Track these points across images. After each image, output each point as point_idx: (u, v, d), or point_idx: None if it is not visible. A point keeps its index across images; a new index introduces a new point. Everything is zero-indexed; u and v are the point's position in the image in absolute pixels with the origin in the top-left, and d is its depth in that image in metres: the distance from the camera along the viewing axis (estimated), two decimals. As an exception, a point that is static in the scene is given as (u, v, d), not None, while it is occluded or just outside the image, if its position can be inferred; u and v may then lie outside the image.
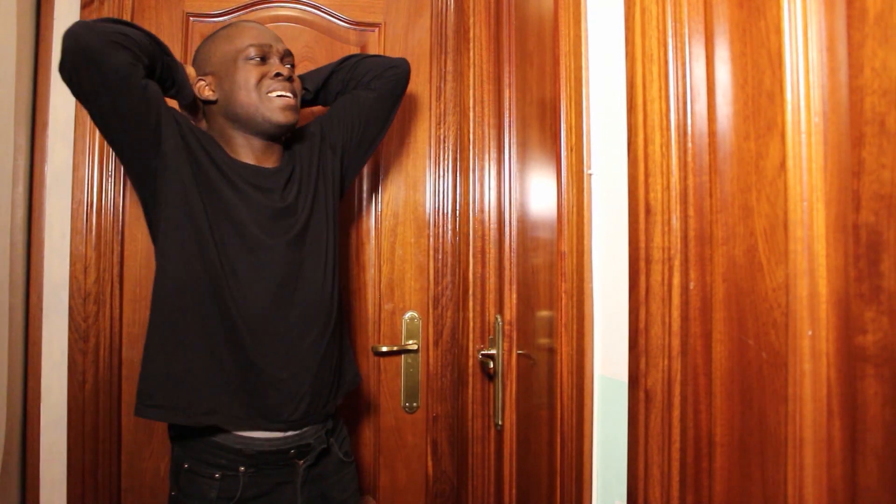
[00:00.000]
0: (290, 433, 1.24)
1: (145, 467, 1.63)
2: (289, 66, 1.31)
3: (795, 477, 0.52)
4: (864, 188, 0.47)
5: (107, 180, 1.62)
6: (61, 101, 1.60)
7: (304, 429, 1.26)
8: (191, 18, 1.70)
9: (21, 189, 1.54)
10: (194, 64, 1.34)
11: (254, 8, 1.74)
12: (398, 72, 1.48)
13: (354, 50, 1.76)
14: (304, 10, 1.76)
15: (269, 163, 1.32)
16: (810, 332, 0.51)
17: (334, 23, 1.77)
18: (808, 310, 0.51)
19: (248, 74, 1.25)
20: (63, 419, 1.57)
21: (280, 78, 1.26)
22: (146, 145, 1.18)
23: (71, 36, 1.07)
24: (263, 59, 1.27)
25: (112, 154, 1.63)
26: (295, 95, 1.29)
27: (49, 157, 1.60)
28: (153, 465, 1.63)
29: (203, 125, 1.36)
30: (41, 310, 1.57)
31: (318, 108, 1.58)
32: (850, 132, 0.48)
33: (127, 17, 1.65)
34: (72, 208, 1.60)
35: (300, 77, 1.41)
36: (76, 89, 1.12)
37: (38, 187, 1.59)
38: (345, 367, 1.38)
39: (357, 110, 1.46)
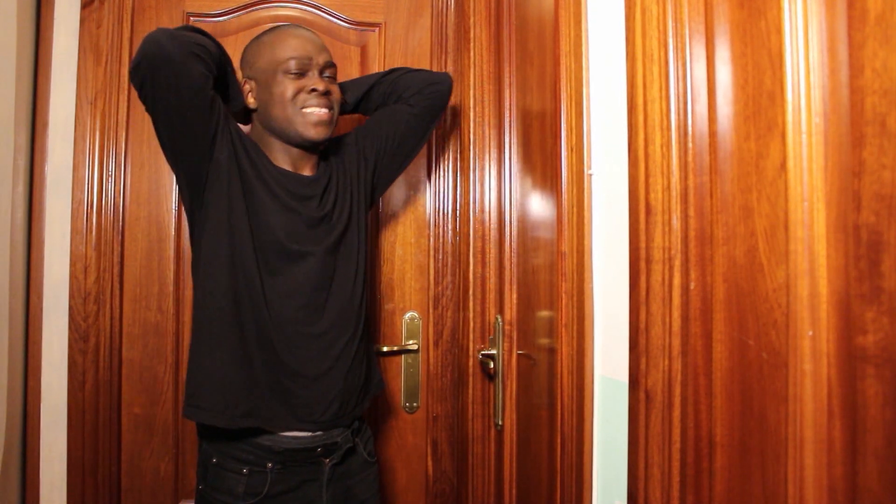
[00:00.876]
0: (318, 433, 1.26)
1: (145, 467, 1.63)
2: (328, 77, 1.32)
3: (796, 477, 0.52)
4: (864, 188, 0.47)
5: (107, 180, 1.62)
6: (61, 101, 1.61)
7: (333, 430, 1.28)
8: (191, 18, 1.70)
9: (21, 189, 1.54)
10: (241, 65, 1.36)
11: (254, 8, 1.74)
12: (440, 88, 1.49)
13: (355, 50, 1.77)
14: (305, 10, 1.76)
15: (307, 170, 1.35)
16: (811, 333, 0.51)
17: (334, 23, 1.77)
18: (808, 310, 0.51)
19: (284, 88, 1.27)
20: (63, 419, 1.57)
21: (315, 93, 1.27)
22: (201, 152, 1.20)
23: (154, 43, 1.08)
24: (302, 73, 1.28)
25: (112, 154, 1.63)
26: (331, 108, 1.30)
27: (49, 157, 1.60)
28: (153, 465, 1.63)
29: (248, 129, 1.38)
30: (41, 310, 1.57)
31: (358, 115, 1.59)
32: (850, 132, 0.48)
33: (127, 17, 1.65)
34: (72, 208, 1.60)
35: (341, 85, 1.42)
36: (146, 94, 1.13)
37: (38, 187, 1.59)
38: (371, 371, 1.40)
39: (394, 125, 1.47)
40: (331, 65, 1.33)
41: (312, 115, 1.27)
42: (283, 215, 1.27)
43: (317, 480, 1.27)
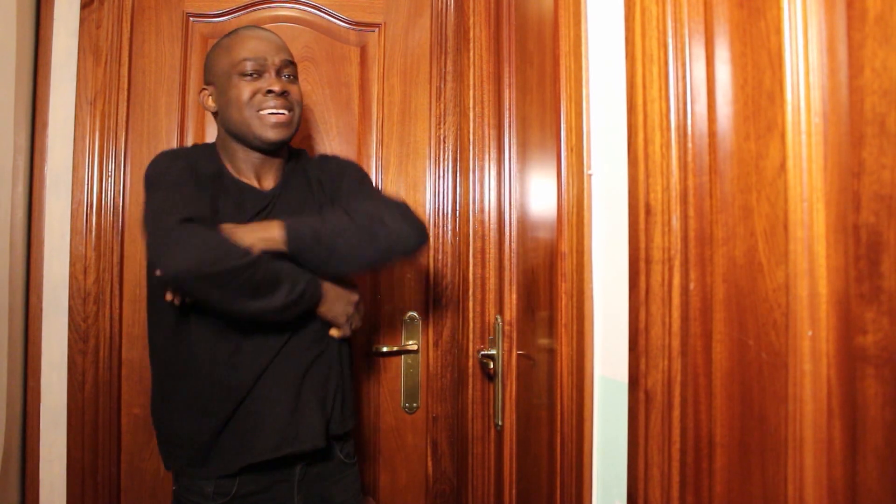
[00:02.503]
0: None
1: (145, 467, 1.63)
2: (286, 77, 1.29)
3: (795, 477, 0.52)
4: (864, 188, 0.47)
5: (107, 180, 1.62)
6: (61, 102, 1.61)
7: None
8: (191, 19, 1.70)
9: (21, 189, 1.54)
10: (204, 71, 1.35)
11: (254, 8, 1.74)
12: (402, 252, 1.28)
13: (354, 50, 1.76)
14: (304, 10, 1.76)
15: (268, 180, 1.32)
16: (810, 333, 0.51)
17: (334, 23, 1.77)
18: (808, 310, 0.51)
19: (240, 91, 1.24)
20: (63, 419, 1.57)
21: (272, 94, 1.24)
22: None
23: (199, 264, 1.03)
24: (258, 74, 1.25)
25: (112, 154, 1.63)
26: (290, 109, 1.27)
27: (49, 158, 1.60)
28: (153, 465, 1.63)
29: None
30: (41, 310, 1.57)
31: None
32: (850, 132, 0.48)
33: (126, 18, 1.65)
34: (72, 208, 1.60)
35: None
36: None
37: (38, 187, 1.59)
38: (346, 397, 1.35)
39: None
40: (289, 63, 1.30)
41: (270, 117, 1.24)
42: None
43: (287, 482, 1.26)
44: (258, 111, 1.24)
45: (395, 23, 1.78)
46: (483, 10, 1.61)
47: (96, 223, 1.61)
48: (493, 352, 1.44)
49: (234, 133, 1.28)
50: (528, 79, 1.30)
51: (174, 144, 1.68)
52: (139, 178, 1.66)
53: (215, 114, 1.31)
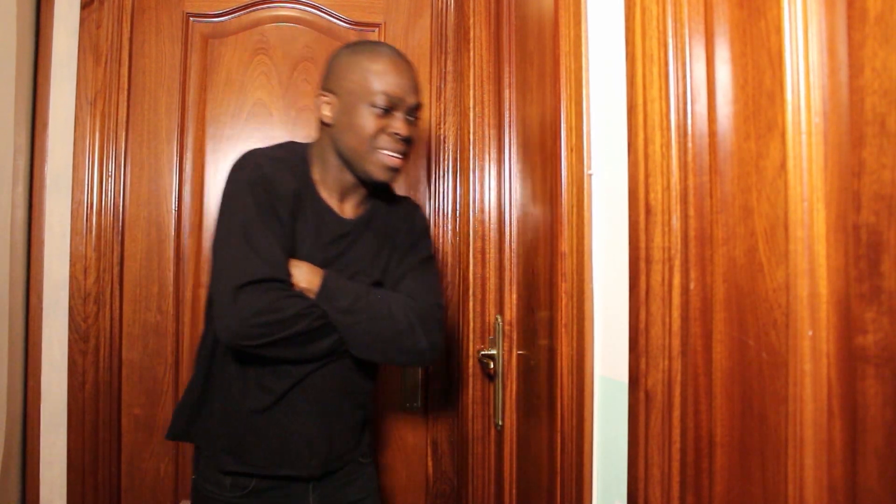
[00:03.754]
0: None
1: (145, 467, 1.63)
2: (413, 120, 1.26)
3: (796, 477, 0.52)
4: (864, 188, 0.47)
5: (107, 180, 1.62)
6: (61, 101, 1.61)
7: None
8: (191, 19, 1.70)
9: (21, 189, 1.54)
10: (326, 70, 1.29)
11: (254, 8, 1.74)
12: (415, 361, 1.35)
13: (354, 50, 1.76)
14: (304, 10, 1.76)
15: (350, 205, 1.29)
16: (811, 333, 0.51)
17: (334, 23, 1.77)
18: (808, 310, 0.51)
19: (366, 122, 1.20)
20: (63, 420, 1.57)
21: (396, 137, 1.21)
22: None
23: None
24: (388, 111, 1.21)
25: (112, 154, 1.63)
26: (406, 155, 1.24)
27: (49, 158, 1.60)
28: (153, 465, 1.63)
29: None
30: (41, 310, 1.57)
31: None
32: (850, 132, 0.48)
33: (126, 18, 1.65)
34: (72, 208, 1.60)
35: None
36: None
37: (38, 187, 1.59)
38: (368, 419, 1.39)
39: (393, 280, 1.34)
40: (418, 106, 1.26)
41: (387, 159, 1.21)
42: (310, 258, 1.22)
43: (304, 481, 1.28)
44: (377, 148, 1.21)
45: (395, 23, 1.78)
46: (483, 10, 1.61)
47: (96, 223, 1.61)
48: (494, 352, 1.44)
49: (341, 153, 1.24)
50: (528, 79, 1.30)
51: (174, 144, 1.68)
52: (139, 179, 1.67)
53: (325, 124, 1.26)
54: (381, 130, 1.21)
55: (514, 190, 1.43)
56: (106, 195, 1.62)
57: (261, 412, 1.22)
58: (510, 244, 1.44)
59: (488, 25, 1.59)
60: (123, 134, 1.65)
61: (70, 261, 1.59)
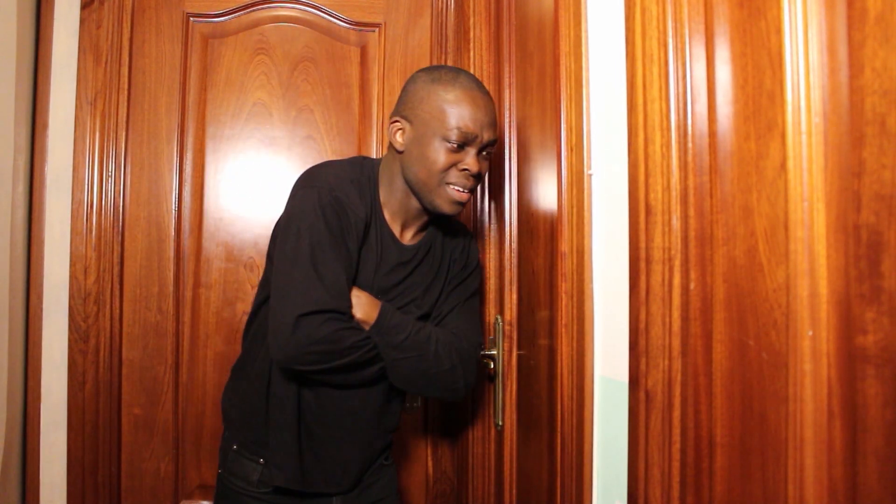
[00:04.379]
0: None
1: (145, 467, 1.63)
2: (486, 155, 1.23)
3: (796, 477, 0.52)
4: (864, 188, 0.47)
5: (107, 180, 1.62)
6: (61, 101, 1.61)
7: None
8: (191, 19, 1.70)
9: (21, 189, 1.54)
10: (403, 90, 1.27)
11: (254, 8, 1.74)
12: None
13: (354, 50, 1.76)
14: (304, 10, 1.76)
15: (410, 232, 1.29)
16: (811, 333, 0.51)
17: (334, 23, 1.77)
18: (808, 310, 0.51)
19: (438, 157, 1.17)
20: (63, 420, 1.57)
21: (466, 173, 1.19)
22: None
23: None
24: (462, 147, 1.18)
25: (112, 154, 1.63)
26: (473, 190, 1.23)
27: (49, 157, 1.60)
28: (153, 465, 1.63)
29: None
30: (41, 310, 1.57)
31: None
32: (850, 132, 0.48)
33: (126, 18, 1.65)
34: (72, 208, 1.60)
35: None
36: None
37: (38, 187, 1.59)
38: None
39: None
40: (493, 143, 1.22)
41: (455, 194, 1.19)
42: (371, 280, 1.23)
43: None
44: (447, 183, 1.19)
45: (395, 23, 1.78)
46: (483, 9, 1.61)
47: (96, 223, 1.61)
48: (494, 352, 1.44)
49: (409, 181, 1.22)
50: (528, 79, 1.30)
51: (174, 144, 1.68)
52: (139, 179, 1.67)
53: (397, 150, 1.23)
54: (453, 165, 1.18)
55: (514, 190, 1.43)
56: (106, 195, 1.62)
57: (305, 431, 1.24)
58: (510, 244, 1.44)
59: (488, 25, 1.59)
60: (123, 134, 1.65)
61: (70, 261, 1.59)
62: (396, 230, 1.27)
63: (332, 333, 1.10)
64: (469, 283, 1.36)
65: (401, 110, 1.23)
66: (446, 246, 1.35)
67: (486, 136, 1.20)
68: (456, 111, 1.17)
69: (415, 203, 1.25)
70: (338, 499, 1.30)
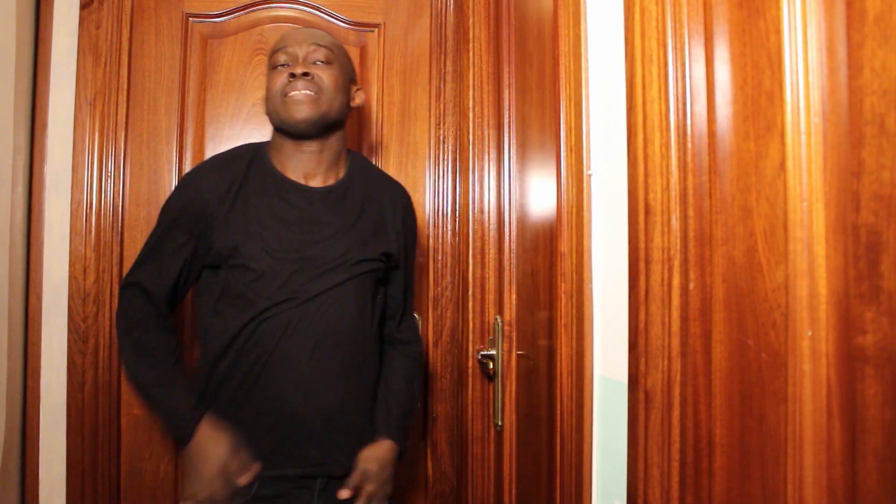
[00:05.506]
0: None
1: (145, 468, 1.63)
2: (315, 62, 1.30)
3: (795, 477, 0.52)
4: (863, 188, 0.47)
5: (106, 181, 1.62)
6: (61, 102, 1.60)
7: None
8: (190, 19, 1.70)
9: (21, 189, 1.54)
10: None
11: (254, 8, 1.74)
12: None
13: (354, 50, 1.76)
14: (304, 11, 1.76)
15: (317, 180, 1.33)
16: (810, 333, 0.51)
17: (334, 23, 1.76)
18: (807, 310, 0.51)
19: (273, 81, 1.29)
20: (63, 420, 1.57)
21: (294, 78, 1.27)
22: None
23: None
24: (288, 66, 1.29)
25: (111, 155, 1.63)
26: (317, 91, 1.28)
27: (49, 158, 1.60)
28: (153, 465, 1.63)
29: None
30: (41, 310, 1.57)
31: None
32: (849, 132, 0.48)
33: (126, 18, 1.65)
34: (71, 209, 1.60)
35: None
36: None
37: (37, 188, 1.59)
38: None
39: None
40: (318, 48, 1.31)
41: (294, 95, 1.26)
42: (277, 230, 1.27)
43: (309, 489, 1.26)
44: (285, 95, 1.27)
45: (394, 23, 1.78)
46: (483, 10, 1.61)
47: (96, 223, 1.61)
48: (493, 352, 1.44)
49: (274, 124, 1.32)
50: (527, 79, 1.30)
51: (174, 145, 1.68)
52: (139, 179, 1.67)
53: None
54: (282, 79, 1.28)
55: (514, 190, 1.43)
56: (105, 195, 1.62)
57: (247, 381, 1.22)
58: (510, 244, 1.44)
59: (488, 26, 1.59)
60: (123, 134, 1.64)
61: (69, 261, 1.59)
62: (300, 179, 1.32)
63: (128, 305, 1.27)
64: (410, 248, 1.45)
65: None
66: (371, 190, 1.38)
67: (305, 47, 1.30)
68: (276, 44, 1.34)
69: (290, 145, 1.31)
70: (320, 500, 1.26)
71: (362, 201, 1.36)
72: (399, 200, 1.43)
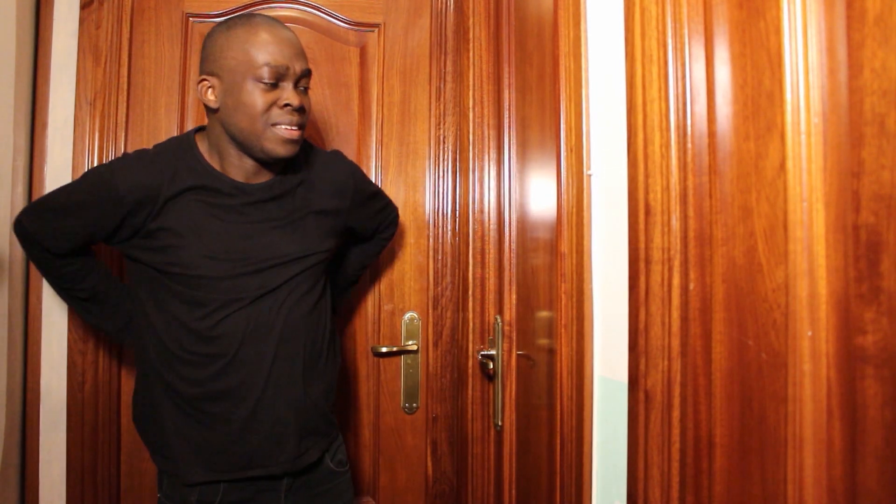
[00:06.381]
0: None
1: (145, 468, 1.63)
2: (303, 88, 1.20)
3: (795, 477, 0.52)
4: (863, 189, 0.47)
5: (106, 181, 1.62)
6: (61, 102, 1.60)
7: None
8: (190, 19, 1.70)
9: (21, 189, 1.54)
10: (203, 54, 1.22)
11: (253, 8, 1.74)
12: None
13: (354, 50, 1.76)
14: (304, 11, 1.76)
15: (257, 177, 1.25)
16: (810, 333, 0.51)
17: (334, 23, 1.76)
18: (807, 310, 0.51)
19: (255, 99, 1.14)
20: (62, 420, 1.57)
21: (289, 109, 1.16)
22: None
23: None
24: (276, 84, 1.15)
25: (111, 155, 1.63)
26: (302, 126, 1.19)
27: (48, 158, 1.60)
28: (153, 465, 1.63)
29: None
30: (40, 310, 1.57)
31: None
32: (849, 133, 0.48)
33: (126, 18, 1.65)
34: (71, 209, 1.60)
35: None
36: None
37: (37, 188, 1.59)
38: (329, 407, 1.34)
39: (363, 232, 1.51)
40: (307, 73, 1.20)
41: (284, 132, 1.16)
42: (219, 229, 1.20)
43: (274, 491, 1.25)
44: (272, 125, 1.15)
45: (394, 23, 1.78)
46: (483, 10, 1.61)
47: (96, 223, 1.61)
48: (493, 352, 1.44)
49: (235, 137, 1.18)
50: (527, 79, 1.30)
51: (174, 145, 1.68)
52: (139, 179, 1.67)
53: (212, 110, 1.20)
54: (272, 104, 1.15)
55: (514, 190, 1.43)
56: (105, 195, 1.62)
57: (212, 380, 1.19)
58: (510, 244, 1.44)
59: (488, 25, 1.59)
60: (123, 134, 1.64)
61: (69, 261, 1.59)
62: (240, 178, 1.23)
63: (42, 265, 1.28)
64: (369, 197, 1.47)
65: (204, 68, 1.20)
66: (312, 175, 1.32)
67: (298, 66, 1.17)
68: (261, 49, 1.14)
69: (250, 162, 1.21)
70: (287, 502, 1.26)
71: (305, 190, 1.29)
72: (346, 181, 1.38)
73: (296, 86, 1.18)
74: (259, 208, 1.23)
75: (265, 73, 1.13)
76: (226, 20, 1.22)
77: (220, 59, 1.17)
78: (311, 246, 1.27)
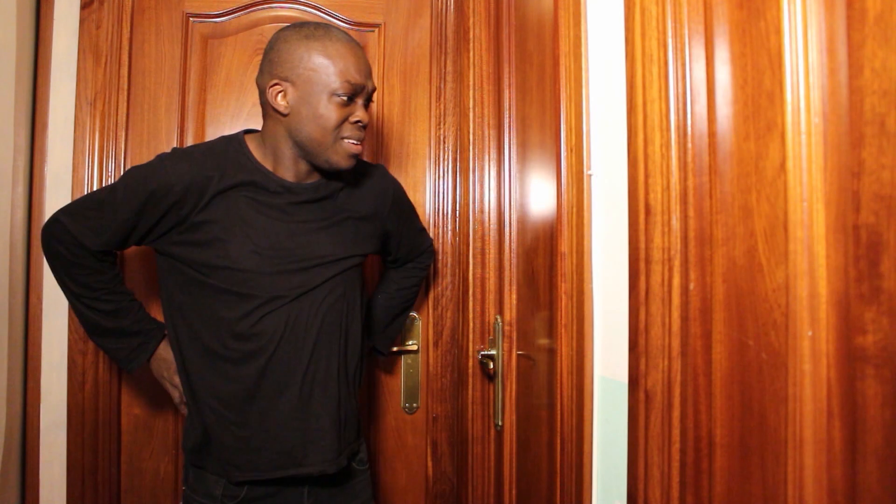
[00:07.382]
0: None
1: (145, 468, 1.63)
2: (369, 104, 1.27)
3: (795, 477, 0.52)
4: (864, 189, 0.47)
5: (107, 181, 1.62)
6: (61, 102, 1.61)
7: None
8: (191, 19, 1.70)
9: (21, 189, 1.54)
10: (271, 52, 1.23)
11: (254, 8, 1.74)
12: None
13: (354, 50, 1.76)
14: (304, 11, 1.76)
15: (305, 178, 1.28)
16: (810, 333, 0.51)
17: (334, 23, 1.76)
18: (808, 310, 0.51)
19: (331, 113, 1.18)
20: (63, 420, 1.57)
21: (359, 125, 1.22)
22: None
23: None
24: (350, 99, 1.20)
25: (112, 155, 1.63)
26: (362, 142, 1.25)
27: (49, 158, 1.60)
28: (153, 465, 1.63)
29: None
30: (41, 310, 1.57)
31: None
32: (850, 133, 0.48)
33: (126, 18, 1.65)
34: (71, 209, 1.60)
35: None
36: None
37: (37, 188, 1.59)
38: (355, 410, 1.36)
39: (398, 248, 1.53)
40: (374, 90, 1.26)
41: (351, 147, 1.22)
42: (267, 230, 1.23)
43: (297, 490, 1.26)
44: (341, 138, 1.21)
45: (394, 23, 1.78)
46: (483, 10, 1.61)
47: (96, 223, 1.61)
48: (493, 352, 1.44)
49: (302, 145, 1.22)
50: (527, 79, 1.30)
51: (174, 144, 1.68)
52: (139, 179, 1.67)
53: (280, 113, 1.22)
54: (345, 119, 1.20)
55: (514, 190, 1.43)
56: (106, 195, 1.62)
57: (252, 378, 1.21)
58: (510, 244, 1.44)
59: (488, 26, 1.59)
60: (123, 134, 1.64)
61: (70, 261, 1.59)
62: (289, 178, 1.26)
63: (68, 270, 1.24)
64: (407, 214, 1.50)
65: (278, 72, 1.21)
66: (356, 181, 1.36)
67: (370, 85, 1.24)
68: (341, 65, 1.18)
69: (304, 165, 1.25)
70: (309, 501, 1.27)
71: (346, 195, 1.33)
72: (387, 188, 1.42)
73: (365, 104, 1.24)
74: (303, 208, 1.26)
75: (344, 89, 1.18)
76: (299, 27, 1.24)
77: (297, 68, 1.19)
78: (349, 248, 1.31)
